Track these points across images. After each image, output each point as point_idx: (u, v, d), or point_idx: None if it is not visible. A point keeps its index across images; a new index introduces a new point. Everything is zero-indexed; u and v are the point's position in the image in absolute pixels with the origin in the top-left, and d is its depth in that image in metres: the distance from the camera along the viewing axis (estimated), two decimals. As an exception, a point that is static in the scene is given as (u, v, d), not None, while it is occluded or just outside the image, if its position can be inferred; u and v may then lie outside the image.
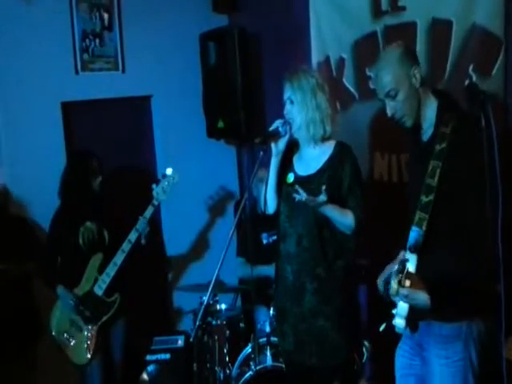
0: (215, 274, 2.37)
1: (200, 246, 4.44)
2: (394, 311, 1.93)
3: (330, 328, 2.51)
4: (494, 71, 2.74)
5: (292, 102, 2.54)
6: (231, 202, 4.50)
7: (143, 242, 3.34)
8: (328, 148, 2.60)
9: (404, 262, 1.86)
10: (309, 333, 2.53)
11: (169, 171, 3.38)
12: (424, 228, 1.92)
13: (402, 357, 2.23)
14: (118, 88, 4.15)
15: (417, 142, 2.18)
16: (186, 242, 4.43)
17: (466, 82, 2.74)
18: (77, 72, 4.03)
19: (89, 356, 3.27)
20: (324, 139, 2.59)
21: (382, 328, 2.00)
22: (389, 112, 2.09)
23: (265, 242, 3.64)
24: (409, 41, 3.09)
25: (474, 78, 2.85)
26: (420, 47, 3.07)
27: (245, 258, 3.60)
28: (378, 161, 3.46)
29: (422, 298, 1.87)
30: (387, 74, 2.06)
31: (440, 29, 2.94)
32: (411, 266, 1.88)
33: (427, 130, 2.11)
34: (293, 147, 2.70)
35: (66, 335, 3.33)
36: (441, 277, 1.89)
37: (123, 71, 4.19)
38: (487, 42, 2.74)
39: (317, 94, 2.53)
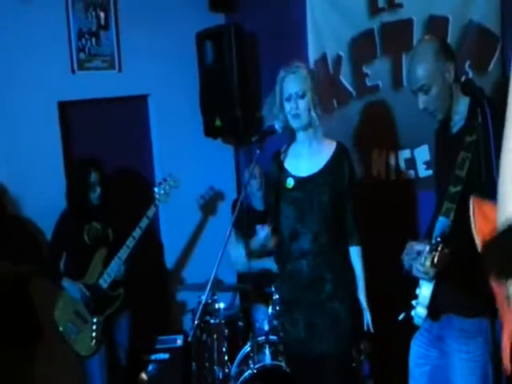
0: (213, 274, 2.38)
1: (198, 244, 4.44)
2: (413, 302, 1.95)
3: (343, 311, 2.56)
4: (490, 68, 2.76)
5: (300, 96, 2.53)
6: (228, 200, 4.50)
7: None
8: (329, 148, 2.62)
9: (438, 243, 1.87)
10: (322, 316, 2.56)
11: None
12: (451, 218, 1.93)
13: (419, 347, 2.25)
14: (114, 87, 4.12)
15: (445, 134, 2.19)
16: (185, 241, 4.41)
17: (463, 79, 2.74)
18: (73, 71, 4.01)
19: (94, 346, 3.29)
20: (322, 138, 2.61)
21: (401, 317, 2.02)
22: (421, 105, 2.10)
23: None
24: (406, 38, 3.11)
25: (471, 75, 2.85)
26: (416, 44, 3.08)
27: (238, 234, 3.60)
28: (376, 158, 3.46)
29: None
30: (422, 69, 2.05)
31: (437, 25, 2.94)
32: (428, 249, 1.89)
33: (458, 123, 2.12)
34: (279, 156, 2.70)
35: (70, 326, 3.36)
36: (465, 266, 1.89)
37: (120, 70, 4.17)
38: (483, 38, 2.76)
39: (315, 92, 2.56)
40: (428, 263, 1.85)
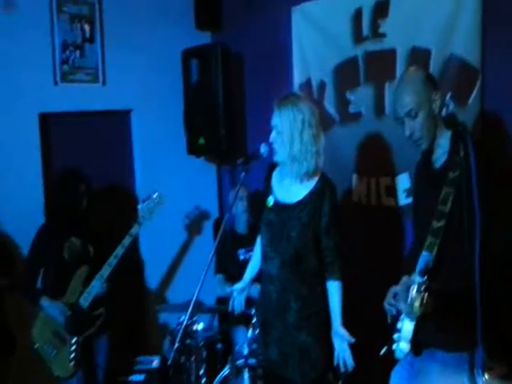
0: (195, 296, 2.37)
1: (179, 264, 4.42)
2: (395, 336, 1.93)
3: (312, 342, 2.56)
4: (470, 100, 2.80)
5: (278, 132, 2.52)
6: (210, 220, 4.49)
7: None
8: (312, 180, 2.59)
9: (425, 283, 1.86)
10: (292, 346, 2.58)
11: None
12: (434, 253, 1.95)
13: (399, 379, 2.26)
14: (97, 100, 4.11)
15: (427, 167, 2.21)
16: (165, 260, 4.40)
17: (444, 111, 2.80)
18: (56, 83, 3.99)
19: (72, 368, 3.23)
20: (307, 175, 2.57)
21: (382, 352, 2.00)
22: (407, 131, 2.11)
23: (241, 258, 3.66)
24: (389, 67, 3.17)
25: (451, 107, 2.91)
26: (399, 74, 3.13)
27: (224, 275, 3.61)
28: (357, 184, 3.50)
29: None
30: (410, 94, 2.07)
31: (419, 57, 2.99)
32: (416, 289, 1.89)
33: (440, 157, 2.14)
34: (272, 168, 2.71)
35: (48, 346, 3.28)
36: (447, 300, 1.92)
37: (104, 84, 4.16)
38: (464, 71, 2.80)
39: (304, 130, 2.49)
40: (417, 304, 1.84)
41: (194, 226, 4.48)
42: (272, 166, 2.70)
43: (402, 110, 2.09)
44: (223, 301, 3.51)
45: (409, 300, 1.87)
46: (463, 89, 2.79)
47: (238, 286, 2.83)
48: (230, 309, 2.90)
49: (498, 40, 2.64)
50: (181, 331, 2.53)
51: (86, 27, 4.12)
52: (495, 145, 2.69)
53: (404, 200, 3.24)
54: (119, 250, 3.28)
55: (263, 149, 2.57)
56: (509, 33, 2.45)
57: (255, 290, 2.92)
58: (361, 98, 3.40)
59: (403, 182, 3.23)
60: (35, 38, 3.87)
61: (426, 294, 1.84)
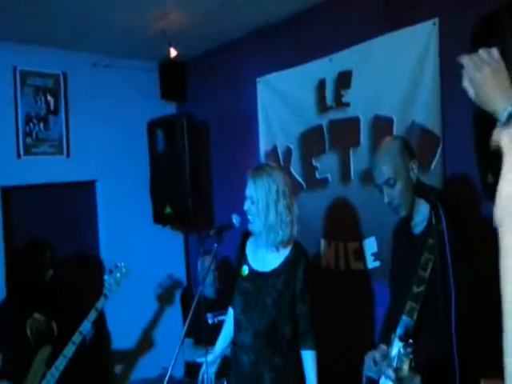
0: (170, 370, 2.29)
1: (146, 336, 4.29)
2: None
3: None
4: (432, 166, 2.89)
5: (253, 202, 2.52)
6: (178, 289, 4.40)
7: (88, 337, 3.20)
8: (286, 248, 2.59)
9: (412, 346, 1.85)
10: None
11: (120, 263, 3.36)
12: (414, 318, 1.95)
13: None
14: (61, 172, 4.07)
15: (406, 232, 2.22)
16: (132, 333, 4.26)
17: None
18: (19, 156, 3.94)
19: None
20: (282, 244, 2.57)
21: None
22: (386, 199, 2.13)
23: (210, 321, 3.60)
24: (353, 134, 3.27)
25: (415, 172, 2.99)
26: (363, 141, 3.23)
27: (193, 339, 3.52)
28: (326, 249, 3.51)
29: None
30: (387, 163, 2.10)
31: (382, 124, 3.10)
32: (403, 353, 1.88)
33: (420, 224, 2.16)
34: (246, 236, 2.70)
35: None
36: (427, 362, 1.90)
37: (68, 155, 4.13)
38: (425, 138, 2.90)
39: (279, 201, 2.49)
40: (406, 367, 1.83)
41: (161, 296, 4.39)
42: (245, 233, 2.69)
43: (380, 179, 2.12)
44: (191, 366, 3.39)
45: (395, 364, 1.85)
46: (425, 155, 2.87)
47: (209, 358, 2.74)
48: (199, 382, 2.79)
49: (457, 107, 2.76)
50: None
51: (50, 99, 4.12)
52: (458, 207, 2.76)
53: (372, 263, 3.26)
54: (84, 326, 3.14)
55: (235, 219, 2.56)
56: (467, 99, 2.56)
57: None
58: (326, 164, 3.48)
59: (370, 245, 3.26)
60: (-2, 111, 3.85)
61: (413, 358, 1.84)
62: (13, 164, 3.89)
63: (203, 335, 3.33)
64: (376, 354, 2.10)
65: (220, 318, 3.43)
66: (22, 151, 3.95)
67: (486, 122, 2.29)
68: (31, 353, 3.15)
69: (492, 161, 2.25)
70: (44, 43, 3.93)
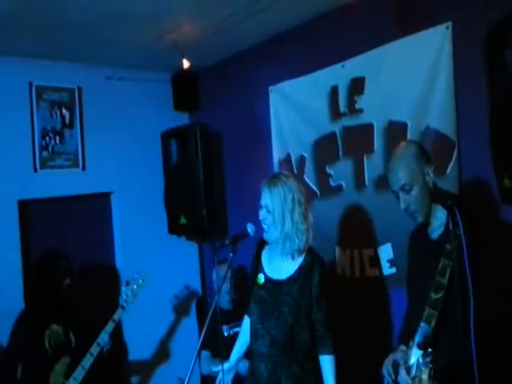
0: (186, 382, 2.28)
1: (162, 347, 4.28)
2: None
3: None
4: (448, 170, 2.87)
5: (269, 212, 2.51)
6: (193, 299, 4.40)
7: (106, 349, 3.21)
8: (301, 256, 2.58)
9: (431, 355, 1.83)
10: None
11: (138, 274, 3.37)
12: (433, 324, 1.92)
13: None
14: (77, 185, 4.11)
15: (423, 238, 2.20)
16: (148, 344, 4.26)
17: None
18: (35, 170, 3.99)
19: None
20: (298, 252, 2.56)
21: None
22: (402, 205, 2.11)
23: (226, 334, 3.58)
24: (367, 141, 3.25)
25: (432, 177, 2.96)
26: (377, 147, 3.22)
27: (210, 351, 3.50)
28: (341, 256, 3.49)
29: None
30: (403, 169, 2.09)
31: (396, 130, 3.08)
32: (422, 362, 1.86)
33: (437, 229, 2.14)
34: (261, 245, 2.69)
35: None
36: (446, 370, 1.87)
37: (83, 168, 4.17)
38: (440, 143, 2.87)
39: (294, 210, 2.49)
40: (425, 377, 1.80)
41: (176, 306, 4.39)
42: (260, 242, 2.69)
43: (397, 185, 2.10)
44: (208, 379, 3.37)
45: (414, 373, 1.82)
46: (441, 159, 2.85)
47: (225, 366, 2.73)
48: None
49: (471, 110, 2.74)
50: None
51: (66, 113, 4.17)
52: (475, 211, 2.73)
53: (388, 270, 3.23)
54: (102, 338, 3.15)
55: (250, 229, 2.56)
56: (481, 103, 2.54)
57: (243, 365, 2.80)
58: (340, 171, 3.46)
59: (386, 252, 3.23)
60: (15, 126, 3.90)
61: (433, 367, 1.81)
62: (29, 177, 3.94)
63: (220, 348, 3.30)
64: (397, 356, 2.08)
65: (235, 329, 3.40)
66: (38, 165, 4.00)
67: (502, 125, 2.28)
68: (50, 364, 3.16)
69: (508, 164, 2.24)
70: (58, 58, 3.98)
